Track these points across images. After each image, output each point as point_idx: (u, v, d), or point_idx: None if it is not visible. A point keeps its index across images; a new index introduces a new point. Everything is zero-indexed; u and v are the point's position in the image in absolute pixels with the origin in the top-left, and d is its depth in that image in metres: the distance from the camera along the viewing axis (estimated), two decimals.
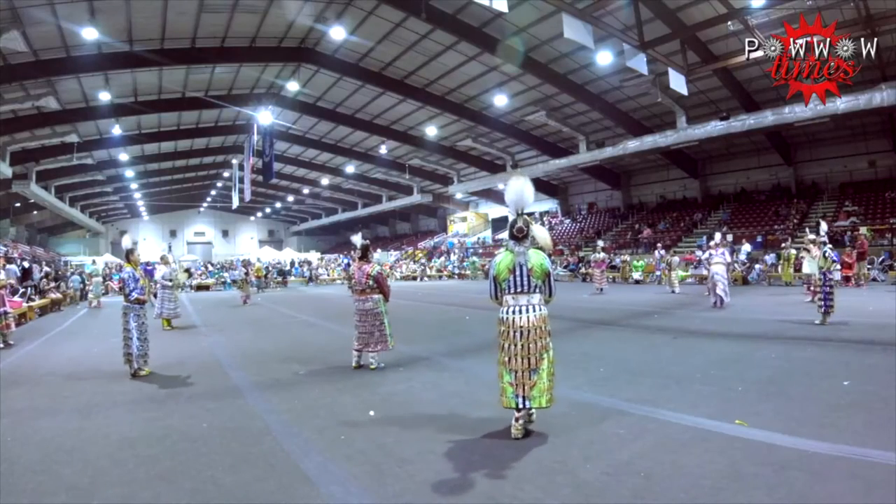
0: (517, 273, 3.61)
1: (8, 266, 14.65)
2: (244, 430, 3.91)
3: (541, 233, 3.73)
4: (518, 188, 3.72)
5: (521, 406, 3.52)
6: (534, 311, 3.60)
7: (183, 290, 21.50)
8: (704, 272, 15.57)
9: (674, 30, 14.64)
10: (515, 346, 3.56)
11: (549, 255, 3.79)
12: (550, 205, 33.50)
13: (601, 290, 15.79)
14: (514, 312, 3.60)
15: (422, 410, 4.27)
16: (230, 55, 18.19)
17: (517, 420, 3.54)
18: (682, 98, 17.45)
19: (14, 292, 12.34)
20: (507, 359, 3.59)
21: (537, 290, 3.64)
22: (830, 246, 8.18)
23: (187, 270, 14.48)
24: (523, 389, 3.52)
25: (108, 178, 31.39)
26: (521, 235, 3.63)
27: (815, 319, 7.88)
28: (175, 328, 10.25)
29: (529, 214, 3.86)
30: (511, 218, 3.77)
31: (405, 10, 15.43)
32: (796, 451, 3.10)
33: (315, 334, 9.28)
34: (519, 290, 3.61)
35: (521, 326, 3.56)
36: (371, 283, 5.87)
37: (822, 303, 7.83)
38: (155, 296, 10.66)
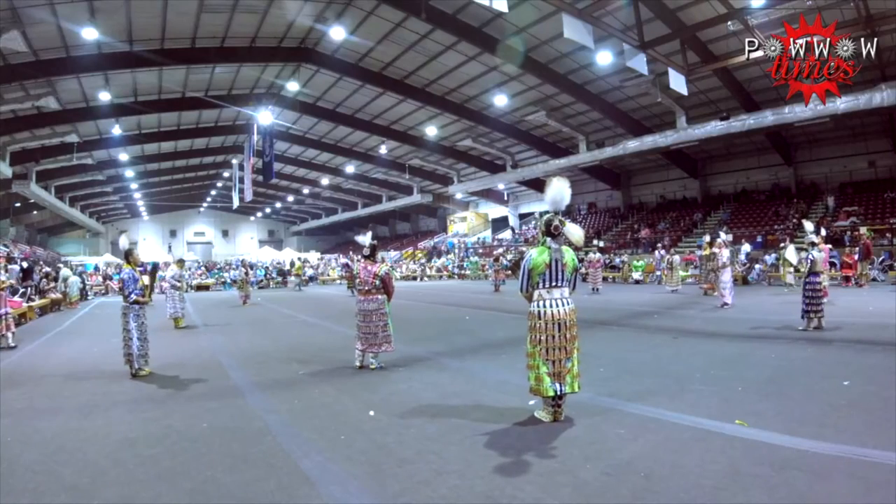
0: (553, 268, 3.82)
1: (10, 266, 14.68)
2: (244, 430, 3.91)
3: (574, 230, 3.89)
4: (560, 189, 3.92)
5: (558, 392, 3.74)
6: (568, 303, 3.85)
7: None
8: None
9: (674, 30, 14.64)
10: (554, 337, 3.77)
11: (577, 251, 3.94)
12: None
13: (595, 289, 15.87)
14: (551, 305, 3.80)
15: (422, 411, 4.26)
16: (230, 55, 18.19)
17: (559, 406, 3.81)
18: (682, 98, 17.44)
19: (14, 292, 12.33)
20: (544, 350, 3.77)
21: (567, 284, 3.89)
22: (816, 249, 7.74)
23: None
24: (560, 378, 3.74)
25: (108, 178, 31.41)
26: (557, 233, 3.84)
27: (798, 325, 7.48)
28: (181, 328, 10.28)
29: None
30: (541, 216, 4.01)
31: (405, 10, 15.43)
32: (796, 451, 3.10)
33: (315, 334, 9.28)
34: (553, 283, 3.83)
35: (560, 318, 3.78)
36: (378, 283, 5.83)
37: (805, 307, 7.39)
38: (161, 291, 10.73)
